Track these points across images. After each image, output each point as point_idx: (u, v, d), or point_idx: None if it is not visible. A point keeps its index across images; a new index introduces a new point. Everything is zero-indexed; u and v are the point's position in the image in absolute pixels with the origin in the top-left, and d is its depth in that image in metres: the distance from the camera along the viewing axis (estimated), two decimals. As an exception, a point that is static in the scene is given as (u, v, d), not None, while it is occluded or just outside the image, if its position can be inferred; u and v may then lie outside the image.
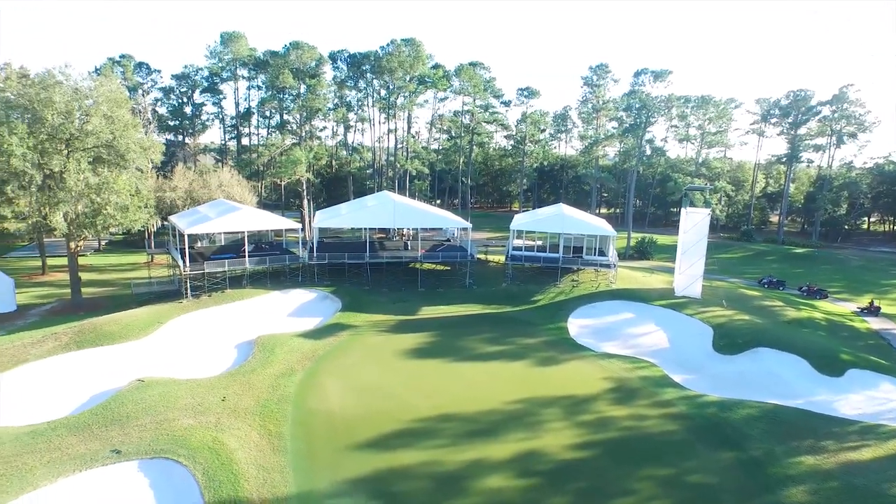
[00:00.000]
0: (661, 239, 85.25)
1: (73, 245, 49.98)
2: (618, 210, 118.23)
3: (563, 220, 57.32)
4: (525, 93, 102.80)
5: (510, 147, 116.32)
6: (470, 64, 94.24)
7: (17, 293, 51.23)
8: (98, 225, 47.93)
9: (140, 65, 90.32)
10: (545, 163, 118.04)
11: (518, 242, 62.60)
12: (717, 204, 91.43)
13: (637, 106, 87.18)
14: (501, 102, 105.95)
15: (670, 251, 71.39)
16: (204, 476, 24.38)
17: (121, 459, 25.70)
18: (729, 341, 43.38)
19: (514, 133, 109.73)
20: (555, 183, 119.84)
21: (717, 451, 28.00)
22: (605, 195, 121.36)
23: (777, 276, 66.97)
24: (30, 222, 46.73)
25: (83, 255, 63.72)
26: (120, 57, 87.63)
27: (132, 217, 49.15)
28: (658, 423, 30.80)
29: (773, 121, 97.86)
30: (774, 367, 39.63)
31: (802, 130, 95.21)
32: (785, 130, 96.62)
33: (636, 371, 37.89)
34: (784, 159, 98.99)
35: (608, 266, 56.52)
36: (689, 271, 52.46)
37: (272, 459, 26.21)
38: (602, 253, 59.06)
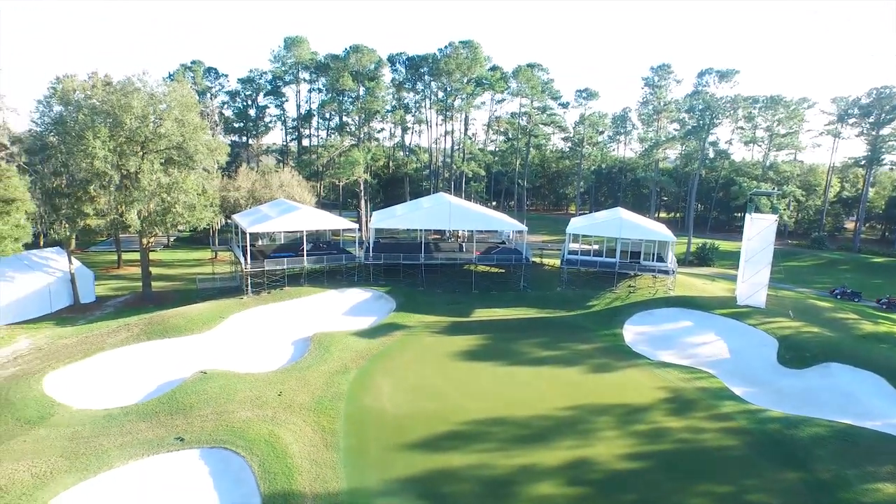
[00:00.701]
0: (724, 245, 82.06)
1: (144, 241, 52.84)
2: (678, 214, 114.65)
3: (620, 224, 56.13)
4: (583, 94, 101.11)
5: (567, 149, 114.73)
6: (528, 65, 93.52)
7: (96, 285, 54.62)
8: (167, 222, 50.48)
9: (209, 70, 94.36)
10: (603, 165, 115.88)
11: (574, 246, 61.76)
12: (785, 209, 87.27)
13: (700, 107, 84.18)
14: (559, 104, 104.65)
15: (733, 258, 68.73)
16: (260, 467, 25.32)
17: (184, 447, 27.06)
18: (796, 354, 41.35)
19: (571, 135, 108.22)
20: (613, 186, 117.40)
21: (780, 470, 26.77)
22: (665, 199, 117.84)
23: (851, 286, 63.14)
24: (108, 219, 49.76)
25: (153, 251, 67.11)
26: (191, 63, 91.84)
27: (198, 215, 51.49)
28: (716, 436, 29.76)
29: (852, 121, 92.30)
30: (847, 385, 37.40)
31: (885, 131, 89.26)
32: (865, 131, 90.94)
33: (693, 381, 36.72)
34: (863, 162, 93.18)
35: (666, 272, 54.99)
36: (753, 279, 50.35)
37: (325, 455, 26.93)
38: (660, 258, 57.52)
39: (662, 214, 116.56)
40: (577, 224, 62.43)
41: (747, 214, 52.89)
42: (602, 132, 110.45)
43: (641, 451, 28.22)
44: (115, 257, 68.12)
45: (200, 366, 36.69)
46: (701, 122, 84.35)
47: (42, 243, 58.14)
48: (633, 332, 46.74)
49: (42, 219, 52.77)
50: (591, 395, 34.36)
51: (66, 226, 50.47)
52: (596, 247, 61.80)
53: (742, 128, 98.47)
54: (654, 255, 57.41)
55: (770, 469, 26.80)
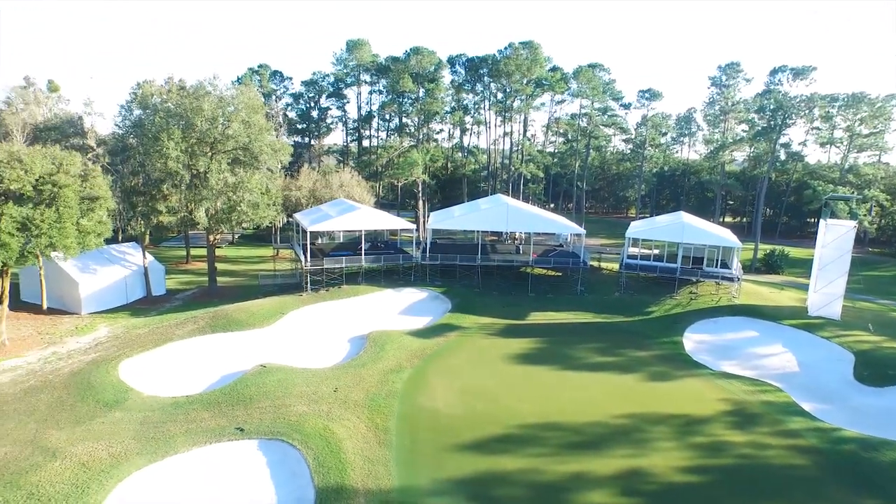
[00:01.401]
0: (794, 252, 78.01)
1: (211, 238, 55.31)
2: (744, 219, 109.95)
3: (682, 228, 54.37)
4: (646, 95, 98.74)
5: (628, 151, 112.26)
6: (589, 66, 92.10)
7: (167, 279, 57.57)
8: (233, 220, 52.70)
9: (275, 73, 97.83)
10: (665, 167, 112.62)
11: (633, 250, 60.30)
12: (865, 215, 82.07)
13: (772, 107, 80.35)
14: (621, 105, 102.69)
15: (804, 266, 65.32)
16: (315, 461, 25.99)
17: (244, 437, 28.16)
18: (875, 371, 38.77)
19: (633, 136, 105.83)
20: (675, 189, 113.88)
21: (856, 495, 25.14)
22: (731, 203, 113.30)
23: (938, 299, 58.82)
24: (179, 216, 52.44)
25: (219, 247, 70.12)
26: (258, 66, 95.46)
27: (262, 213, 53.47)
28: (782, 454, 28.35)
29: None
30: (936, 407, 34.73)
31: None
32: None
33: (758, 395, 35.14)
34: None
35: (731, 279, 52.86)
36: (826, 289, 47.61)
37: (378, 452, 27.38)
38: (724, 265, 55.34)
39: (728, 219, 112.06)
40: (637, 228, 60.94)
41: (822, 220, 50.05)
42: (665, 134, 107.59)
43: (700, 465, 27.27)
44: (184, 253, 71.55)
45: (260, 359, 38.07)
46: (772, 122, 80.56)
47: (120, 238, 61.74)
48: (693, 341, 45.21)
49: (121, 215, 56.11)
50: (647, 403, 33.48)
51: (142, 222, 53.55)
52: (656, 251, 60.15)
53: (818, 128, 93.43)
54: (717, 261, 55.26)
55: (843, 493, 25.25)
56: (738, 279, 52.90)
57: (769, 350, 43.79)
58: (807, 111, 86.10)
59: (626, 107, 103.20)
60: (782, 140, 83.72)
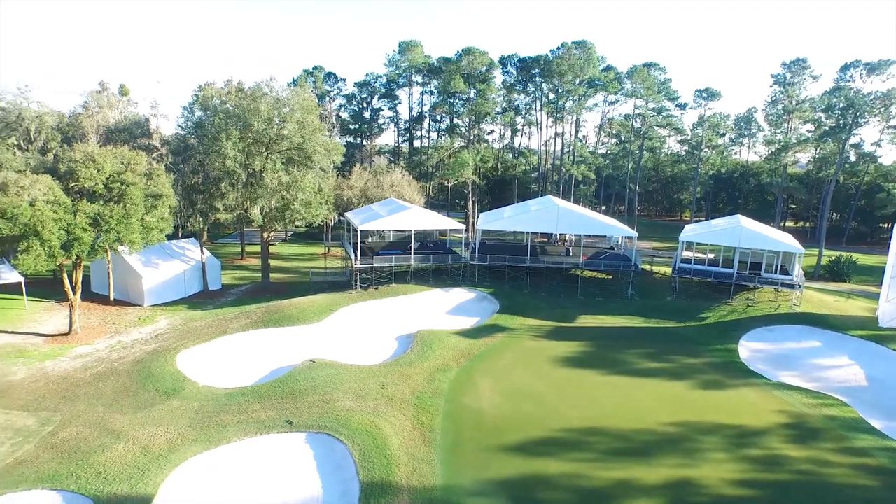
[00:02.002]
0: (863, 259, 74.05)
1: (265, 235, 57.03)
2: (808, 224, 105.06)
3: (740, 232, 52.35)
4: (703, 94, 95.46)
5: (684, 152, 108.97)
6: (644, 65, 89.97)
7: (222, 274, 59.73)
8: (286, 218, 54.23)
9: (329, 75, 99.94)
10: (723, 169, 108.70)
11: (687, 255, 58.55)
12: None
13: (841, 105, 76.21)
14: (676, 105, 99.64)
15: (875, 273, 62.00)
16: (360, 456, 26.42)
17: (292, 430, 28.93)
18: (950, 387, 36.39)
19: (688, 137, 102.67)
20: (732, 192, 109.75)
21: (923, 515, 23.76)
22: (793, 207, 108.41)
23: None
24: (235, 214, 54.30)
25: (272, 245, 72.07)
26: (313, 68, 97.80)
27: (314, 212, 54.79)
28: (847, 472, 26.81)
29: None
30: None
31: None
32: None
33: (820, 408, 33.45)
34: None
35: (792, 286, 50.58)
36: (898, 299, 44.97)
37: (422, 450, 27.60)
38: (785, 271, 53.01)
39: (789, 223, 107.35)
40: (691, 231, 59.13)
41: None
42: (723, 134, 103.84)
43: (754, 479, 26.20)
44: (239, 249, 74.02)
45: (310, 355, 39.01)
46: (841, 121, 76.43)
47: (180, 234, 64.40)
48: (749, 349, 43.51)
49: (181, 212, 58.50)
50: (698, 412, 32.47)
51: (200, 219, 55.69)
52: (711, 256, 58.17)
53: (895, 127, 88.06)
54: (777, 266, 52.97)
55: (910, 513, 23.88)
56: (800, 286, 50.57)
57: (833, 362, 41.67)
58: (882, 109, 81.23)
59: (682, 107, 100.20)
60: (852, 140, 79.36)
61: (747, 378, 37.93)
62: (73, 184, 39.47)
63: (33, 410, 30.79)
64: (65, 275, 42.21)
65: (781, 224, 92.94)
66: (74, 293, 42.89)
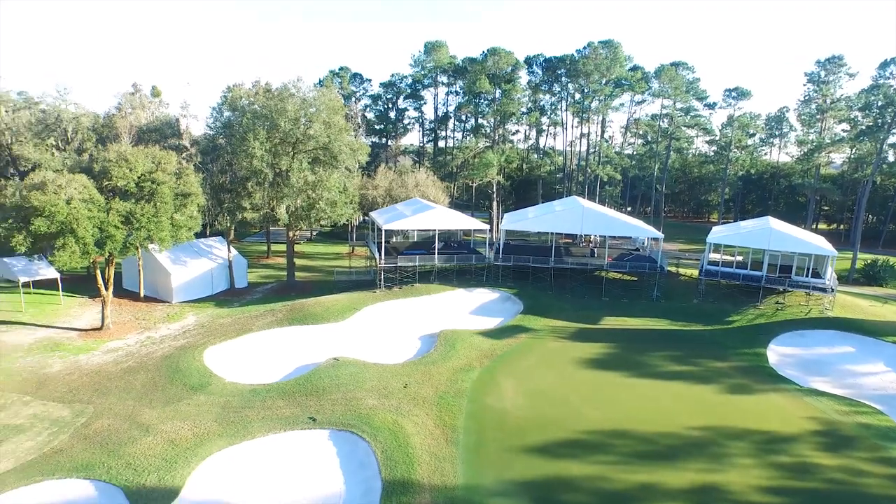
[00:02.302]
0: (900, 263, 71.77)
1: (290, 234, 57.75)
2: (841, 226, 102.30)
3: (769, 234, 51.25)
4: (733, 94, 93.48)
5: (712, 153, 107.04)
6: (672, 64, 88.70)
7: (248, 272, 60.63)
8: (312, 217, 54.85)
9: (355, 75, 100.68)
10: (752, 170, 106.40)
11: (714, 256, 57.52)
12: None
13: (880, 103, 73.95)
14: (705, 105, 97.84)
15: (912, 278, 60.02)
16: (383, 454, 26.60)
17: (315, 427, 29.28)
18: None
19: (717, 138, 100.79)
20: (762, 193, 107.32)
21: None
22: (826, 208, 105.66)
23: None
24: (261, 213, 55.10)
25: (297, 244, 72.92)
26: (339, 69, 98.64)
27: (339, 211, 55.29)
28: (882, 483, 25.94)
29: None
30: None
31: None
32: None
33: (854, 416, 32.55)
34: None
35: (824, 290, 49.34)
36: (935, 305, 43.54)
37: (444, 449, 27.63)
38: (817, 274, 51.72)
39: (822, 226, 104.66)
40: (719, 233, 58.10)
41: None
42: (753, 135, 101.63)
43: (783, 486, 25.64)
44: (265, 248, 75.05)
45: (334, 353, 39.37)
46: (879, 120, 74.19)
47: (208, 233, 65.58)
48: (778, 354, 42.59)
49: (209, 211, 59.65)
50: (725, 416, 31.89)
51: (228, 218, 56.66)
52: (740, 258, 57.02)
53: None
54: (808, 269, 51.68)
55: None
56: (833, 290, 49.33)
57: (868, 368, 40.55)
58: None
59: (711, 106, 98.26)
60: (891, 140, 77.02)
61: (776, 383, 37.13)
62: (106, 183, 40.51)
63: (68, 402, 31.73)
64: (98, 271, 43.35)
65: (813, 226, 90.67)
66: (107, 289, 44.00)
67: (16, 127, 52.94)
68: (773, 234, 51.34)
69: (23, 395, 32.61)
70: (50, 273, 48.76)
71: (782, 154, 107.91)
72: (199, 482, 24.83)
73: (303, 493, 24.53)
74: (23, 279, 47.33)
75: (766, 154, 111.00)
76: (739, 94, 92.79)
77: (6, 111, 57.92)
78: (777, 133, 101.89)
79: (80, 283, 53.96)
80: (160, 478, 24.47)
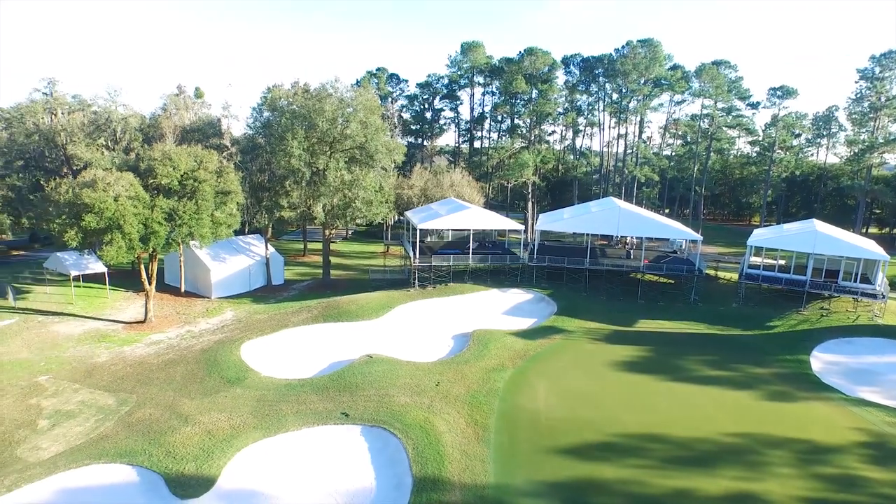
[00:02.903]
0: (957, 269, 68.46)
1: (326, 232, 58.60)
2: (894, 230, 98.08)
3: (815, 237, 49.55)
4: (778, 92, 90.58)
5: (754, 154, 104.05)
6: (713, 63, 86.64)
7: (285, 270, 61.76)
8: (347, 216, 55.57)
9: (392, 76, 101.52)
10: (797, 171, 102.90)
11: (755, 260, 55.92)
12: None
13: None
14: (747, 104, 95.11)
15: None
16: (414, 451, 26.72)
17: (348, 422, 29.63)
18: None
19: (760, 138, 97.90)
20: (807, 195, 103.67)
21: None
22: (878, 211, 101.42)
23: None
24: (298, 211, 56.07)
25: (333, 242, 73.93)
26: (376, 69, 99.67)
27: (375, 210, 55.86)
28: (932, 497, 24.91)
29: None
30: None
31: None
32: None
33: (903, 427, 31.17)
34: None
35: (874, 296, 47.43)
36: None
37: (476, 448, 27.60)
38: (866, 280, 49.79)
39: (872, 230, 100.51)
40: (760, 235, 56.50)
41: None
42: (799, 135, 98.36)
43: (827, 498, 24.69)
44: (302, 246, 76.34)
45: (367, 350, 39.78)
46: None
47: (246, 231, 67.05)
48: (823, 361, 41.12)
49: (248, 209, 61.02)
50: (764, 423, 30.97)
51: (266, 216, 57.86)
52: (782, 262, 55.30)
53: None
54: (856, 274, 49.78)
55: None
56: (884, 297, 47.37)
57: (921, 378, 38.76)
58: None
59: (755, 106, 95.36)
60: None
61: (819, 391, 35.88)
62: (151, 181, 41.89)
63: (113, 391, 32.96)
64: (142, 267, 44.86)
65: (863, 230, 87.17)
66: (150, 284, 45.48)
67: (70, 128, 55.21)
68: (819, 236, 49.66)
69: (73, 382, 34.06)
70: (98, 267, 50.65)
71: (829, 155, 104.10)
72: (235, 472, 25.44)
73: (334, 487, 24.87)
74: (74, 273, 49.32)
75: (812, 155, 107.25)
76: (785, 92, 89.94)
77: (62, 113, 60.58)
78: (825, 133, 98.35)
79: (125, 278, 55.92)
80: (198, 467, 25.18)
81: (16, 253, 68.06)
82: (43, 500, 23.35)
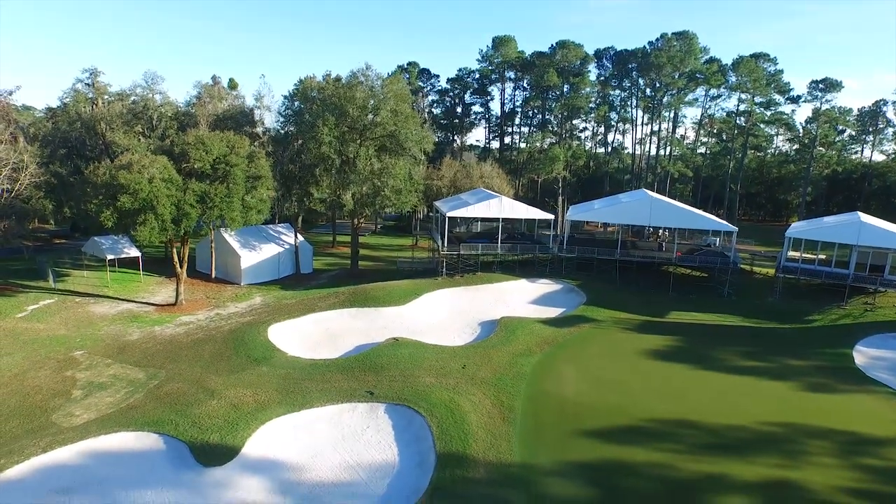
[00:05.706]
0: None
1: (355, 222, 58.73)
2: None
3: (859, 228, 47.50)
4: (819, 86, 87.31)
5: (793, 151, 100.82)
6: (751, 56, 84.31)
7: (314, 260, 62.20)
8: (377, 204, 55.59)
9: (423, 71, 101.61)
10: (839, 169, 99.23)
11: (793, 254, 54.00)
12: None
13: None
14: (787, 99, 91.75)
15: None
16: (438, 428, 26.38)
17: (373, 400, 29.47)
18: None
19: (800, 135, 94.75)
20: (850, 194, 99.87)
21: None
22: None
23: None
24: (328, 200, 56.38)
25: (362, 236, 74.26)
26: (407, 64, 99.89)
27: (404, 199, 55.76)
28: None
29: None
30: None
31: None
32: None
33: (955, 422, 29.50)
34: None
35: (923, 291, 45.26)
36: None
37: (501, 428, 27.13)
38: (915, 274, 47.53)
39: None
40: (799, 227, 54.59)
41: None
42: (843, 131, 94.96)
43: (871, 489, 23.41)
44: (331, 238, 76.85)
45: (393, 334, 39.68)
46: None
47: (277, 220, 67.79)
48: (867, 356, 39.34)
49: (278, 200, 61.71)
50: (803, 414, 29.68)
51: (296, 204, 58.34)
52: (822, 256, 53.22)
53: None
54: (904, 268, 47.57)
55: None
56: (932, 291, 45.21)
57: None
58: None
59: (795, 100, 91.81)
60: None
61: (863, 384, 34.27)
62: (184, 164, 42.60)
63: (143, 366, 33.54)
64: (174, 251, 45.66)
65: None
66: (181, 268, 46.24)
67: (110, 116, 56.67)
68: (864, 227, 47.63)
69: (105, 358, 34.79)
70: (133, 252, 51.73)
71: (876, 152, 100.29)
72: (259, 443, 25.51)
73: (357, 460, 24.73)
74: (109, 257, 50.49)
75: (856, 152, 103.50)
76: (828, 85, 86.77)
77: (103, 103, 62.32)
78: (871, 129, 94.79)
79: (158, 265, 57.06)
80: (222, 437, 25.32)
81: (58, 241, 70.53)
82: (75, 462, 23.84)
